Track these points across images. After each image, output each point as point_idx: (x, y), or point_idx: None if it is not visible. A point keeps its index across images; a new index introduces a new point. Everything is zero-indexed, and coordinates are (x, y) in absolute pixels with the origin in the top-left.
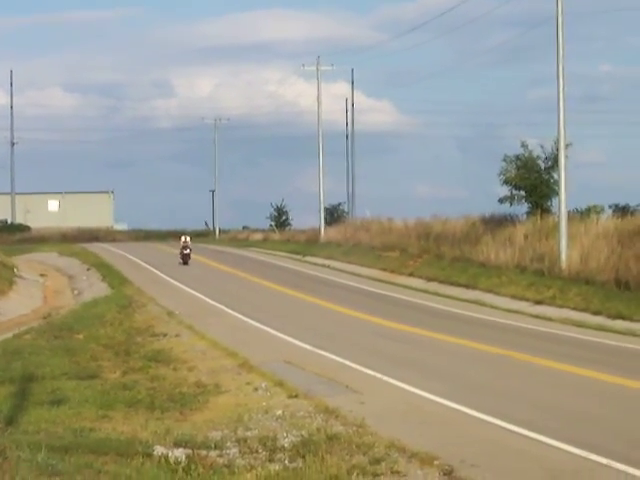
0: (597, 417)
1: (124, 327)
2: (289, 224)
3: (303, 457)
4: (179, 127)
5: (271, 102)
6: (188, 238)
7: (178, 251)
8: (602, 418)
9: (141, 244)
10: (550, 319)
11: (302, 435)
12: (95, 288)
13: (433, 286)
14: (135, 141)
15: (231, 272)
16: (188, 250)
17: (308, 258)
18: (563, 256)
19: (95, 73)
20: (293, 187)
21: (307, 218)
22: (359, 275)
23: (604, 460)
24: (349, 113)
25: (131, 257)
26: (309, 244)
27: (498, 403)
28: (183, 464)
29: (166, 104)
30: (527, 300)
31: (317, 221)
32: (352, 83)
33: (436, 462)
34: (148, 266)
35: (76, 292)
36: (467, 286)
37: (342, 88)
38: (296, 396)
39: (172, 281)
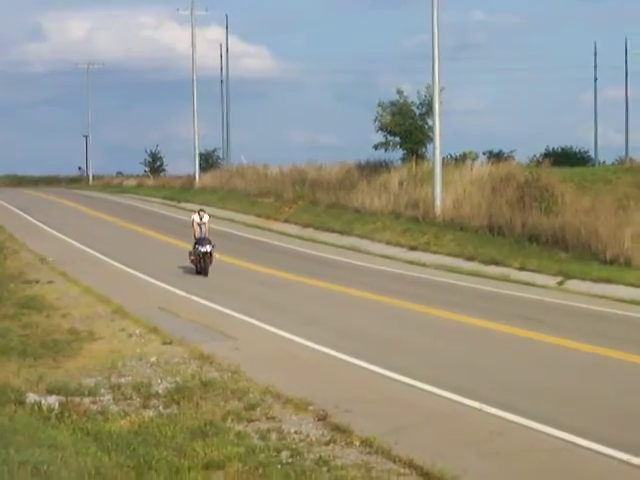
0: (470, 363)
1: None
2: (164, 170)
3: (177, 403)
4: (53, 72)
5: (146, 47)
6: (206, 216)
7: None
8: (474, 363)
9: (14, 190)
10: (425, 265)
11: (176, 381)
12: None
13: (308, 232)
14: (8, 86)
15: (104, 218)
16: (208, 247)
17: (183, 204)
18: (438, 202)
19: None
20: (168, 133)
21: (182, 164)
22: (234, 221)
23: (476, 404)
24: (224, 58)
25: (2, 203)
26: (184, 190)
27: (372, 349)
28: (56, 411)
29: (39, 49)
30: (402, 246)
31: (192, 167)
32: (226, 28)
33: (310, 407)
34: (20, 212)
35: None
36: (342, 232)
37: (218, 33)
38: (171, 343)
39: (45, 227)
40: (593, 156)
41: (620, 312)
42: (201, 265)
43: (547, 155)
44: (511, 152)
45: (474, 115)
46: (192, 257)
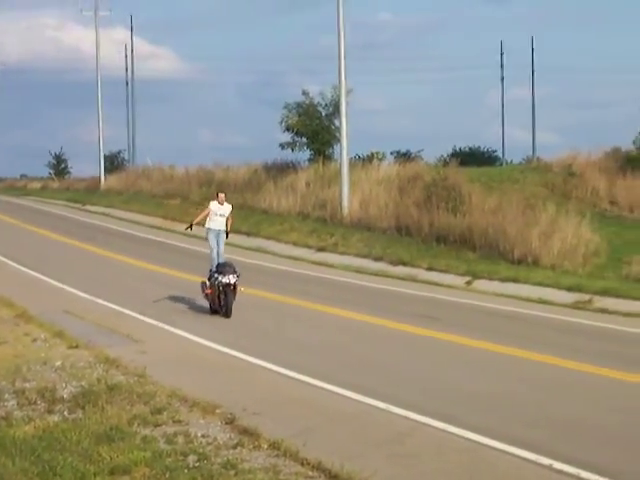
0: (376, 363)
1: None
2: (68, 172)
3: (83, 408)
4: None
5: (50, 48)
6: (228, 205)
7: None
8: (380, 363)
9: None
10: (332, 266)
11: (82, 386)
12: None
13: None
14: None
15: (8, 221)
16: (232, 277)
17: (88, 207)
18: (345, 203)
19: None
20: (73, 135)
21: (87, 166)
22: (140, 223)
23: (382, 404)
24: (128, 59)
25: None
26: (89, 192)
27: (280, 351)
28: None
29: None
30: (309, 247)
31: (97, 169)
32: (131, 29)
33: (218, 411)
34: None
35: None
36: (249, 234)
37: (123, 34)
38: (76, 346)
39: None
40: (500, 155)
41: (526, 311)
42: (220, 302)
43: (454, 155)
44: (419, 152)
45: (382, 115)
46: (207, 290)
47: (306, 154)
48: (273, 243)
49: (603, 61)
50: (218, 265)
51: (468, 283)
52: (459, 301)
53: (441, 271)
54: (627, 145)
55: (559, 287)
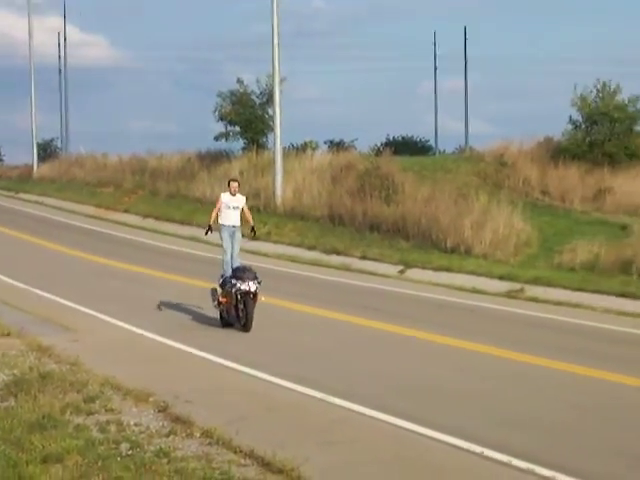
0: (312, 352)
1: None
2: (1, 160)
3: (15, 396)
4: None
5: None
6: (242, 197)
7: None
8: (316, 353)
9: None
10: (266, 255)
11: (14, 374)
12: None
13: (149, 222)
14: None
15: None
16: (252, 284)
17: (21, 195)
18: (278, 192)
19: None
20: (5, 122)
21: (20, 154)
22: (74, 212)
23: (319, 394)
24: (62, 47)
25: None
26: (22, 181)
27: (211, 338)
28: None
29: None
30: (243, 236)
31: (30, 157)
32: (64, 16)
33: (151, 399)
34: None
35: None
36: (183, 222)
37: (57, 22)
38: (8, 334)
39: None
40: (434, 145)
41: (460, 300)
42: (238, 313)
43: (388, 144)
44: (352, 141)
45: (316, 104)
46: (222, 298)
47: (240, 143)
48: None
49: (536, 52)
50: (235, 270)
51: (401, 272)
52: (394, 290)
53: (375, 260)
54: (559, 135)
55: (491, 276)
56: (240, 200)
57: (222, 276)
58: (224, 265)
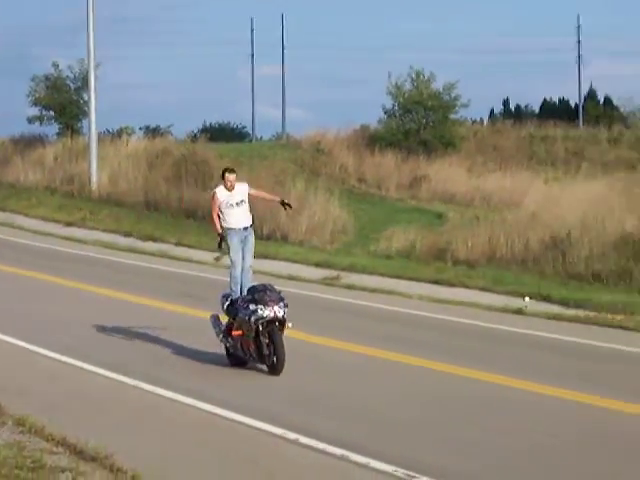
0: (128, 340)
1: None
2: None
3: None
4: None
5: None
6: (244, 186)
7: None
8: (132, 340)
9: None
10: (81, 241)
11: None
12: None
13: None
14: None
15: None
16: (278, 309)
17: None
18: (94, 178)
19: None
20: None
21: None
22: None
23: (133, 381)
24: None
25: None
26: None
27: (30, 327)
28: None
29: None
30: (58, 222)
31: None
32: None
33: None
34: None
35: None
36: None
37: None
38: None
39: None
40: (250, 132)
41: (278, 288)
42: (262, 349)
43: (204, 130)
44: (168, 127)
45: (133, 90)
46: (235, 331)
47: (55, 128)
48: (21, 218)
49: (352, 40)
50: (252, 290)
51: (217, 259)
52: (211, 277)
53: (190, 247)
54: (374, 123)
55: (308, 263)
56: (242, 192)
57: (227, 297)
58: (231, 284)
